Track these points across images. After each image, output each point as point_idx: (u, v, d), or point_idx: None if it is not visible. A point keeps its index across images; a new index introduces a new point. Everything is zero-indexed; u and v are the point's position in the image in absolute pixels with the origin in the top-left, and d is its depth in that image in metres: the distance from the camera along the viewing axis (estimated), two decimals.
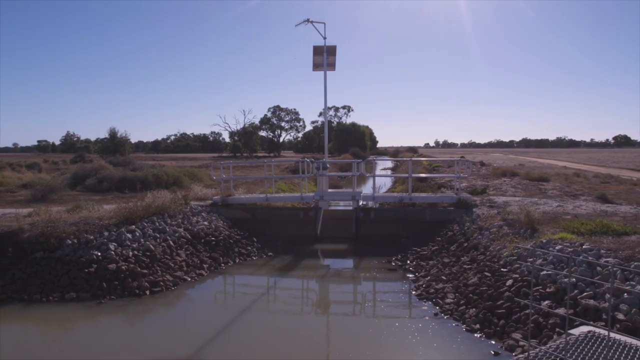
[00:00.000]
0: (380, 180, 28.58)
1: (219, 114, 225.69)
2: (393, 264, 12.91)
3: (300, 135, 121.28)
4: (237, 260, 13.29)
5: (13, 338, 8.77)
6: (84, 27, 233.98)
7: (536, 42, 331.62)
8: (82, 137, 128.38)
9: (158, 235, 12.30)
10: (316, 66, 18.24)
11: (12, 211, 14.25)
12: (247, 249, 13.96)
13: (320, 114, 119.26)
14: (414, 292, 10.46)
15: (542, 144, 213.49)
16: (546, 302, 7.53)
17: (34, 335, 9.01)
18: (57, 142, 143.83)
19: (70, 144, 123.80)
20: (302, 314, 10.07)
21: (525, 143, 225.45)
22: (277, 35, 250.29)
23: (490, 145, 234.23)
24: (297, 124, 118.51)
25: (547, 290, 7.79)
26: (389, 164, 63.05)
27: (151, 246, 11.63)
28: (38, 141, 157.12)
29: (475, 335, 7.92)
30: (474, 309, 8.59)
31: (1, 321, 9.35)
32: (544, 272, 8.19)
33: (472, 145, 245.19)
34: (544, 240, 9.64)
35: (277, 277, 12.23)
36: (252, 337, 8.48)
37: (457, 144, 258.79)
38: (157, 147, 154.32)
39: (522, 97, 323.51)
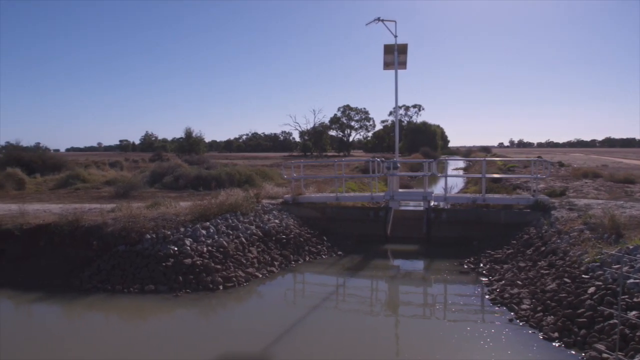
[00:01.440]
0: (452, 181, 27.90)
1: (289, 113, 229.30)
2: (465, 266, 12.54)
3: (369, 134, 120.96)
4: (307, 259, 13.40)
5: (98, 326, 9.30)
6: (163, 30, 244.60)
7: (627, 37, 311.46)
8: (160, 137, 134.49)
9: (231, 232, 12.62)
10: (387, 65, 18.06)
11: (97, 206, 15.11)
12: (317, 248, 14.05)
13: (390, 113, 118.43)
14: (487, 297, 10.11)
15: (628, 143, 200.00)
16: (633, 312, 7.03)
17: (116, 324, 9.51)
18: (137, 142, 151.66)
19: (149, 143, 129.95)
20: (371, 314, 9.99)
21: (609, 142, 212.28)
22: (347, 34, 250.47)
23: (569, 144, 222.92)
24: (367, 123, 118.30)
25: (635, 299, 7.28)
26: (461, 164, 61.53)
27: (224, 242, 11.95)
28: (120, 141, 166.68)
29: (554, 344, 7.53)
30: (552, 317, 8.17)
31: (88, 309, 9.96)
32: (632, 281, 7.66)
33: (550, 144, 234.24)
34: (631, 247, 9.01)
35: (346, 277, 12.21)
36: (321, 336, 8.52)
37: (534, 144, 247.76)
38: (229, 146, 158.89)
39: (607, 92, 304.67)
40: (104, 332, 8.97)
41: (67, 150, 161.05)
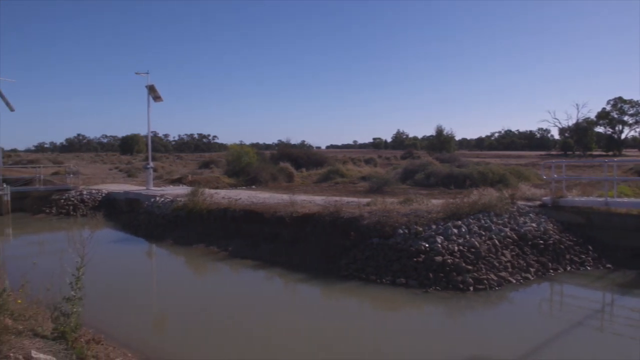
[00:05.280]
0: None
1: (547, 109, 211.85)
2: None
3: None
4: (567, 268, 12.12)
5: (351, 310, 9.96)
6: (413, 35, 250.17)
7: None
8: (410, 135, 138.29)
9: (483, 233, 12.18)
10: None
11: (354, 200, 16.21)
12: (580, 257, 12.59)
13: None
14: None
15: None
16: None
17: (368, 311, 10.06)
18: (389, 140, 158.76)
19: (400, 141, 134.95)
20: None
21: None
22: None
23: None
24: None
25: None
26: None
27: (476, 243, 11.59)
28: (373, 138, 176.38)
29: None
30: None
31: (344, 294, 10.75)
32: None
33: None
34: None
35: (616, 294, 10.65)
36: (577, 358, 7.59)
37: None
38: (480, 144, 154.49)
39: None
40: (356, 317, 9.56)
41: (327, 147, 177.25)
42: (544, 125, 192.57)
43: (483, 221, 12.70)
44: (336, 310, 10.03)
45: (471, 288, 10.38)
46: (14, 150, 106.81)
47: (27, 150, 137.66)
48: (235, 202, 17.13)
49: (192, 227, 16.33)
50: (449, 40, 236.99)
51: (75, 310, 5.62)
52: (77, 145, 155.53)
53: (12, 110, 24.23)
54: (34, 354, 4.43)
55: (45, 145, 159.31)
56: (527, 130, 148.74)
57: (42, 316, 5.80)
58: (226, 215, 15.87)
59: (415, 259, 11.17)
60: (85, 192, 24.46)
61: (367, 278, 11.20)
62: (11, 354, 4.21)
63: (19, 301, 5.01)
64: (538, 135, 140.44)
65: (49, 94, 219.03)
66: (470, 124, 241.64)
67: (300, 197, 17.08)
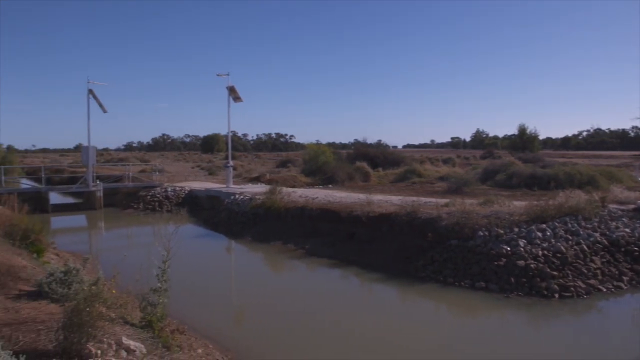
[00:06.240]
0: None
1: None
2: None
3: None
4: None
5: (428, 313, 9.79)
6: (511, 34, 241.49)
7: None
8: (490, 134, 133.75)
9: (570, 238, 11.55)
10: None
11: (431, 200, 15.91)
12: None
13: None
14: None
15: None
16: None
17: (445, 314, 9.85)
18: (468, 139, 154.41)
19: (479, 141, 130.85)
20: None
21: None
22: None
23: None
24: None
25: None
26: None
27: (562, 248, 11.01)
28: (451, 138, 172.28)
29: None
30: None
31: (420, 296, 10.60)
32: None
33: None
34: None
35: None
36: None
37: None
38: (566, 143, 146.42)
39: None
40: (433, 320, 9.40)
41: (404, 146, 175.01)
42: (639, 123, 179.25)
43: (570, 225, 12.05)
44: (413, 312, 9.91)
45: (556, 295, 9.87)
46: (106, 149, 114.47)
47: (117, 149, 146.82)
48: (312, 200, 17.33)
49: (269, 225, 16.70)
50: (533, 35, 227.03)
51: (161, 301, 5.90)
52: (161, 145, 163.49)
53: (104, 111, 25.75)
54: (124, 340, 4.69)
55: (134, 145, 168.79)
56: (619, 129, 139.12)
57: (131, 305, 6.14)
58: (303, 213, 16.09)
59: (495, 263, 10.79)
60: (169, 189, 25.64)
61: (445, 280, 10.96)
62: (105, 339, 4.47)
63: (114, 291, 5.33)
64: (632, 133, 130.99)
65: (137, 95, 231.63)
66: (555, 123, 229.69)
67: (377, 197, 16.98)
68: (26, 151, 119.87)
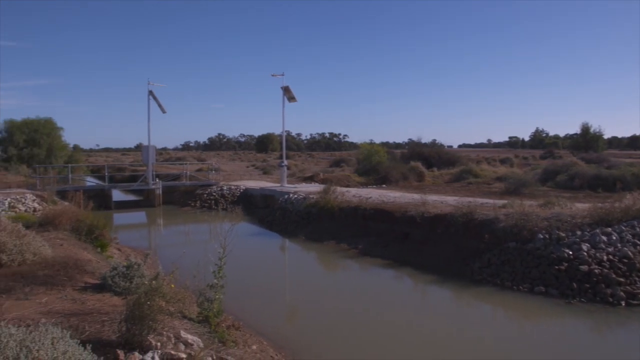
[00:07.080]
0: None
1: None
2: None
3: None
4: None
5: (484, 318, 9.54)
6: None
7: None
8: (551, 133, 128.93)
9: (638, 242, 10.95)
10: None
11: (488, 201, 15.51)
12: None
13: None
14: None
15: None
16: None
17: (502, 319, 9.57)
18: (526, 138, 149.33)
19: (539, 140, 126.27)
20: None
21: None
22: None
23: None
24: None
25: None
26: None
27: (629, 253, 10.46)
28: (509, 137, 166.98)
29: None
30: None
31: (476, 299, 10.35)
32: None
33: None
34: None
35: None
36: None
37: None
38: (634, 143, 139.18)
39: None
40: (490, 324, 9.15)
41: (459, 146, 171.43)
42: None
43: (638, 229, 11.44)
44: (468, 314, 9.69)
45: (623, 303, 9.38)
46: (165, 149, 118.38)
47: (175, 149, 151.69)
48: (366, 200, 17.27)
49: (323, 224, 16.76)
50: (597, 30, 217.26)
51: (217, 297, 6.05)
52: (217, 144, 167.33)
53: (164, 112, 26.61)
54: (182, 333, 4.84)
55: (191, 144, 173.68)
56: None
57: (189, 300, 6.30)
58: (357, 213, 16.06)
59: (556, 267, 10.38)
60: (225, 188, 26.19)
61: (502, 284, 10.66)
62: (164, 332, 4.62)
63: (172, 285, 5.50)
64: None
65: (194, 96, 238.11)
66: (622, 121, 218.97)
67: (432, 197, 16.72)
68: (90, 150, 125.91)
